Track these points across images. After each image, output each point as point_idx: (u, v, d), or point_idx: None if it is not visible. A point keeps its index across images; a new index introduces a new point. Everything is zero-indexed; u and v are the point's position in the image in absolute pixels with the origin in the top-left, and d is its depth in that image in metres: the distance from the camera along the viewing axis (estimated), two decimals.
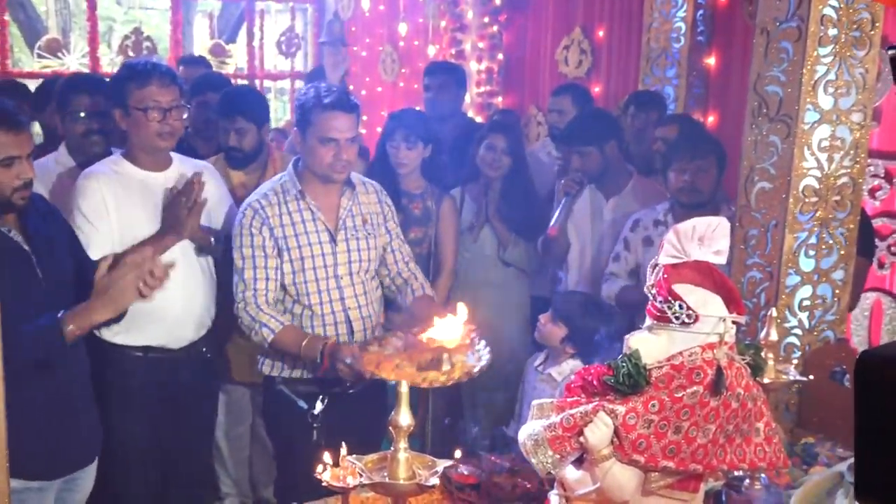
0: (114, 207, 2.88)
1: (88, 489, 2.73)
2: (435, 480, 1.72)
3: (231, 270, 2.97)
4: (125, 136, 3.16)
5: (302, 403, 2.93)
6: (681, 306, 1.74)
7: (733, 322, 1.76)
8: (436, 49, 6.91)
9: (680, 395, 1.70)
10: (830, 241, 2.91)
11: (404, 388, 1.67)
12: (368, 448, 1.85)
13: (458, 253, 3.89)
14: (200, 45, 11.01)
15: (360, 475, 1.75)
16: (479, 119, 5.86)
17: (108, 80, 4.58)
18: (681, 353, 1.73)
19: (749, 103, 2.90)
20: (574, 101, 4.42)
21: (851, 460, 2.33)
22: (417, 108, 4.76)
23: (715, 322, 1.74)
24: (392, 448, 1.72)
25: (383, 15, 7.66)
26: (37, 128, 4.19)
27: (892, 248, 4.11)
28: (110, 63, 8.50)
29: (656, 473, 1.75)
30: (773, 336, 2.24)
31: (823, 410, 2.82)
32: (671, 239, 1.79)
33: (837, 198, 2.88)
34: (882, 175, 4.08)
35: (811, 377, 2.66)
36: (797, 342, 2.94)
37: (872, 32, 2.79)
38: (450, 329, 2.49)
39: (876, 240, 3.91)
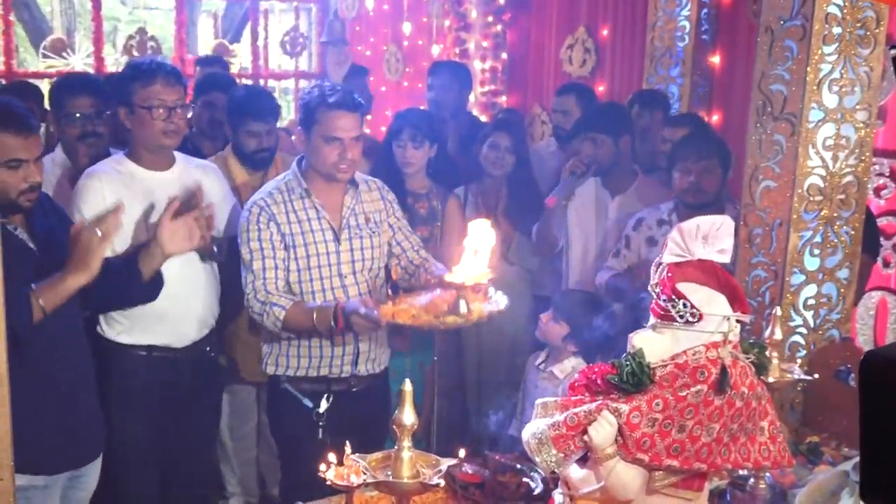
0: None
1: (93, 487, 2.74)
2: (439, 479, 1.72)
3: (234, 270, 2.97)
4: (122, 137, 3.17)
5: (307, 402, 2.93)
6: (685, 305, 1.74)
7: (737, 321, 1.76)
8: (440, 48, 6.91)
9: (684, 393, 1.70)
10: (835, 240, 2.90)
11: (408, 387, 1.67)
12: (373, 447, 1.85)
13: None
14: (204, 44, 11.02)
15: (364, 474, 1.76)
16: (483, 118, 5.86)
17: (102, 79, 4.60)
18: (685, 351, 1.73)
19: (753, 102, 2.90)
20: (578, 100, 4.42)
21: (856, 459, 2.33)
22: (422, 108, 4.76)
23: (719, 321, 1.74)
24: (396, 447, 1.72)
25: (387, 14, 7.66)
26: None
27: None
28: (115, 63, 8.50)
29: (660, 472, 1.75)
30: (778, 335, 2.23)
31: (828, 409, 2.82)
32: (675, 238, 1.79)
33: (842, 196, 2.88)
34: (887, 174, 4.07)
35: (816, 376, 2.66)
36: (802, 341, 2.93)
37: (877, 31, 2.79)
38: (470, 270, 2.49)
39: (881, 238, 3.90)
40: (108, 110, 3.38)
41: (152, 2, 12.83)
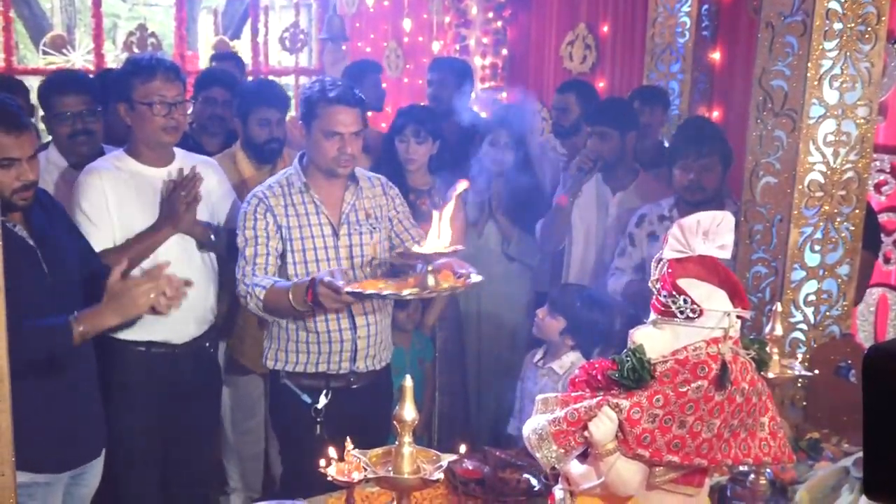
0: (115, 203, 2.89)
1: (95, 485, 2.74)
2: (439, 475, 1.72)
3: (235, 265, 2.97)
4: (116, 134, 3.16)
5: (305, 397, 2.94)
6: (685, 301, 1.74)
7: (738, 317, 1.76)
8: (440, 45, 6.91)
9: (684, 389, 1.70)
10: (836, 236, 2.90)
11: (409, 383, 1.67)
12: (374, 444, 1.85)
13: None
14: (205, 41, 11.01)
15: (365, 469, 1.76)
16: (483, 115, 5.85)
17: (92, 76, 4.59)
18: (685, 347, 1.73)
19: (754, 98, 2.90)
20: (579, 98, 4.42)
21: (857, 455, 2.33)
22: (424, 104, 4.76)
23: (719, 317, 1.74)
24: (396, 442, 1.72)
25: (387, 11, 7.66)
26: None
27: None
28: (115, 60, 8.50)
29: (661, 468, 1.75)
30: (778, 331, 2.23)
31: (829, 406, 2.82)
32: (675, 233, 1.79)
33: (843, 192, 2.88)
34: (888, 170, 4.07)
35: (816, 372, 2.66)
36: (802, 337, 2.94)
37: (878, 26, 2.78)
38: (432, 242, 2.52)
39: (882, 235, 3.90)
40: (99, 107, 3.37)
41: None
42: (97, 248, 2.78)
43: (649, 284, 1.82)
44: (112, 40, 12.03)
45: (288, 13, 8.23)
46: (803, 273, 2.89)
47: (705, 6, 4.81)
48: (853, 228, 2.92)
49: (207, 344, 3.12)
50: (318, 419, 2.90)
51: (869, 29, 2.77)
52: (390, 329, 3.15)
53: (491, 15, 6.46)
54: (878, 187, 4.07)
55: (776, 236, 2.89)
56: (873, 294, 4.11)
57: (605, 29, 5.58)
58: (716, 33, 4.87)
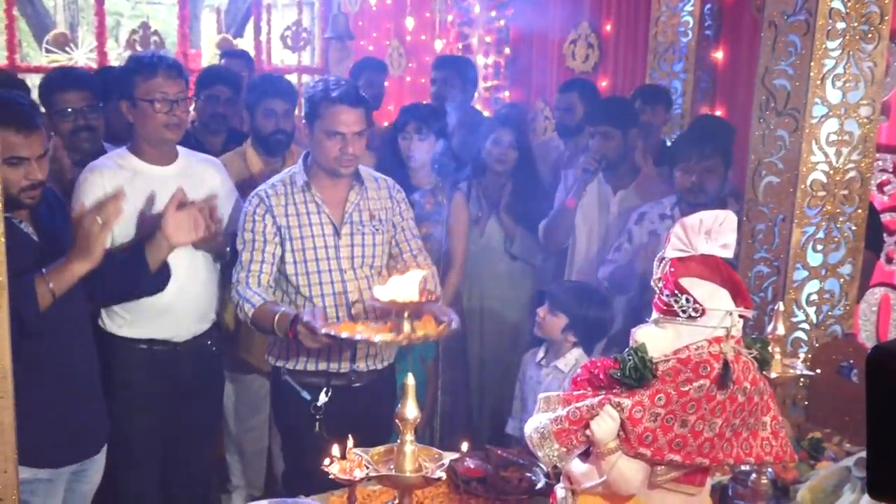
0: None
1: (97, 481, 2.75)
2: (441, 473, 1.72)
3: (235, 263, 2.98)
4: (116, 132, 3.16)
5: (305, 394, 2.94)
6: (687, 300, 1.74)
7: (740, 316, 1.76)
8: (442, 43, 6.91)
9: (686, 388, 1.70)
10: (838, 236, 2.90)
11: (410, 381, 1.67)
12: (378, 442, 1.85)
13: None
14: (208, 39, 11.02)
15: (367, 467, 1.76)
16: (486, 113, 5.85)
17: (93, 73, 4.60)
18: (687, 346, 1.73)
19: (757, 97, 2.90)
20: (581, 97, 4.42)
21: (859, 455, 2.33)
22: (428, 102, 4.76)
23: (722, 316, 1.74)
24: (398, 440, 1.72)
25: (390, 9, 7.66)
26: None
27: None
28: (118, 58, 8.50)
29: (662, 467, 1.75)
30: (781, 330, 2.23)
31: (831, 405, 2.82)
32: (678, 232, 1.79)
33: (845, 192, 2.88)
34: (890, 170, 4.07)
35: (818, 372, 2.66)
36: (804, 337, 2.94)
37: (881, 26, 2.78)
38: (406, 288, 2.50)
39: (884, 235, 3.90)
40: (100, 104, 3.38)
41: None
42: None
43: (651, 283, 1.82)
44: (115, 38, 12.03)
45: (291, 11, 8.24)
46: (805, 272, 2.89)
47: (708, 5, 4.81)
48: (855, 228, 2.92)
49: (209, 342, 3.13)
50: (318, 416, 2.90)
51: (872, 28, 2.77)
52: None
53: (493, 13, 6.45)
54: (880, 187, 4.07)
55: (778, 236, 2.88)
56: (876, 294, 4.11)
57: (608, 28, 5.58)
58: (718, 32, 4.87)
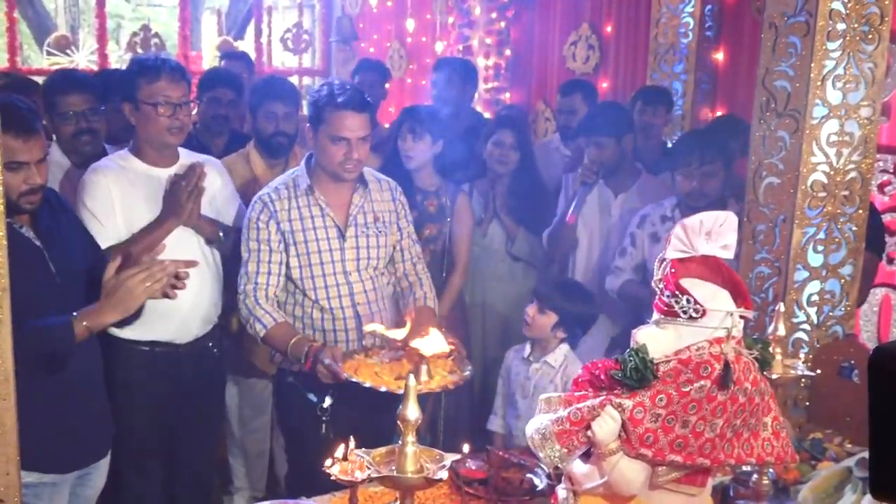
0: (119, 203, 2.89)
1: (101, 485, 2.74)
2: (443, 474, 1.72)
3: (239, 266, 2.98)
4: (117, 134, 3.15)
5: (312, 396, 2.94)
6: (688, 301, 1.74)
7: (741, 317, 1.76)
8: (443, 45, 6.91)
9: (687, 389, 1.70)
10: (839, 237, 2.90)
11: (412, 382, 1.68)
12: (382, 444, 1.85)
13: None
14: (208, 41, 11.03)
15: (368, 469, 1.76)
16: (486, 115, 5.86)
17: (94, 75, 4.61)
18: (688, 347, 1.73)
19: (757, 98, 2.90)
20: (584, 98, 4.43)
21: (860, 455, 2.33)
22: (428, 104, 4.76)
23: (722, 317, 1.74)
24: (400, 442, 1.72)
25: (391, 11, 7.67)
26: None
27: None
28: (119, 60, 8.52)
29: (664, 468, 1.75)
30: (781, 331, 2.23)
31: (832, 406, 2.82)
32: (679, 233, 1.79)
33: (846, 193, 2.88)
34: (891, 170, 4.07)
35: (819, 372, 2.66)
36: (805, 337, 2.94)
37: (881, 27, 2.78)
38: (433, 342, 2.53)
39: (885, 235, 3.90)
40: (101, 106, 3.38)
41: None
42: (103, 245, 2.78)
43: (652, 284, 1.82)
44: (116, 41, 12.04)
45: (291, 13, 8.26)
46: (806, 273, 2.90)
47: (708, 7, 4.82)
48: (856, 229, 2.92)
49: (211, 344, 3.13)
50: (324, 418, 2.90)
51: (872, 29, 2.77)
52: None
53: (494, 15, 6.46)
54: (881, 187, 4.07)
55: (779, 236, 2.89)
56: (877, 294, 4.11)
57: (609, 29, 5.59)
58: (719, 34, 4.88)
